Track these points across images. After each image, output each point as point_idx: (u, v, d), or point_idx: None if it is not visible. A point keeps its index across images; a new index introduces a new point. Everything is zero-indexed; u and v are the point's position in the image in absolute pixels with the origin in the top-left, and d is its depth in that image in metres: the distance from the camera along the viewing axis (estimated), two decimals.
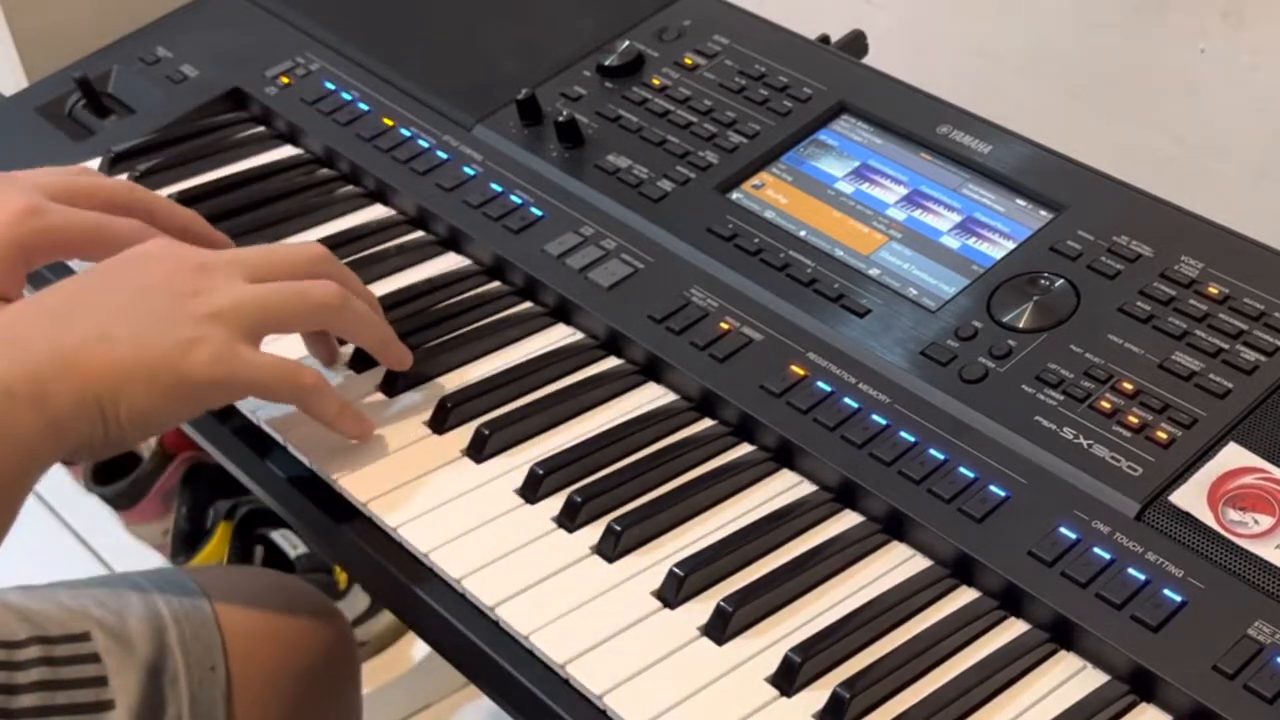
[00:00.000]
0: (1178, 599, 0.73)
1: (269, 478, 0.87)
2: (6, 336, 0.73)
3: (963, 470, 0.80)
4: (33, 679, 0.87)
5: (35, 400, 0.70)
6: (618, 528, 0.78)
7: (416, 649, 1.75)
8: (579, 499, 0.80)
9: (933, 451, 0.81)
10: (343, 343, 0.90)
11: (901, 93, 1.02)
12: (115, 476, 1.69)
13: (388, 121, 1.08)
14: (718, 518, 0.81)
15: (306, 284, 0.81)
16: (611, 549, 0.78)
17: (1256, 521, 0.75)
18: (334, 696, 1.08)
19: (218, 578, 1.04)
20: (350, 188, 1.06)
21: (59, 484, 1.91)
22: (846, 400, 0.84)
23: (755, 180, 0.98)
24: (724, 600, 0.74)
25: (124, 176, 1.05)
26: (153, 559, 1.68)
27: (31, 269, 0.85)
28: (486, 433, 0.84)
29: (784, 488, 0.83)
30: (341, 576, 1.66)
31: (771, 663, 0.73)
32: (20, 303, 0.77)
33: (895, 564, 0.79)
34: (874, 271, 0.91)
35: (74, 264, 0.94)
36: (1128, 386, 0.82)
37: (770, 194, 0.97)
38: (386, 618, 1.72)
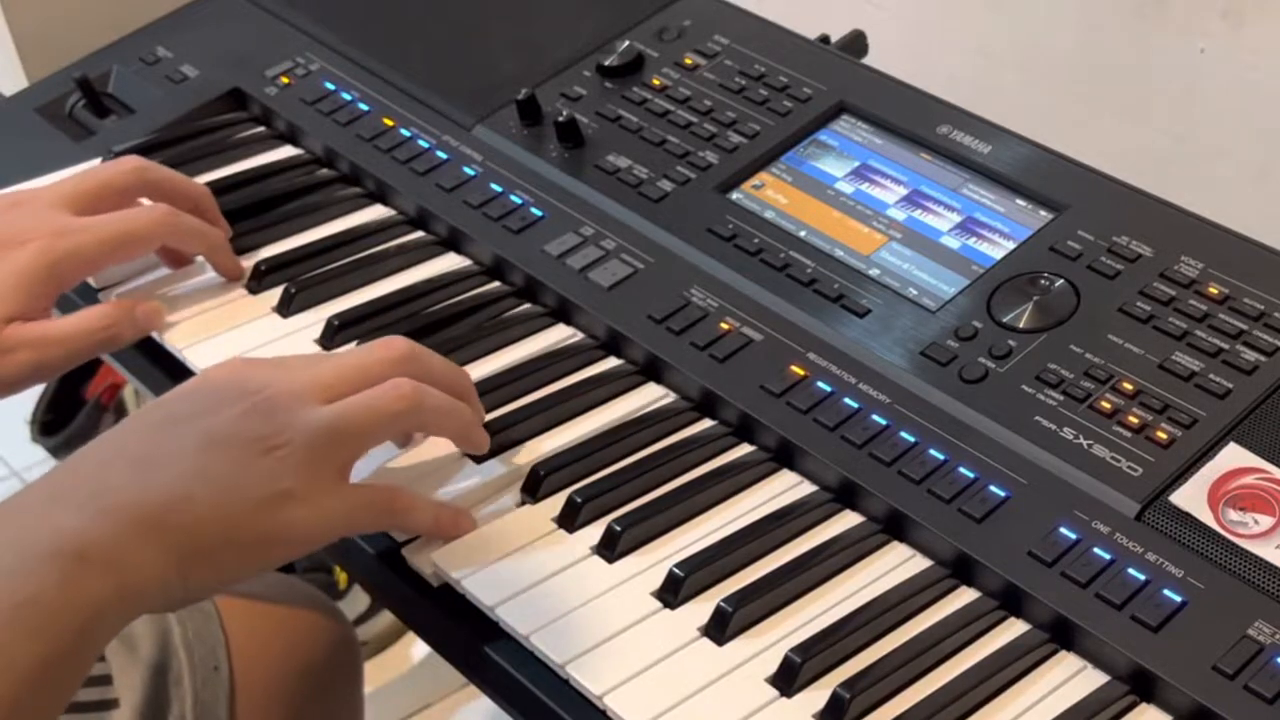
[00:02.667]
0: (1178, 599, 0.73)
1: None
2: (86, 490, 0.68)
3: (963, 470, 0.80)
4: None
5: (110, 565, 0.66)
6: (618, 528, 0.78)
7: (416, 649, 1.75)
8: (579, 499, 0.80)
9: (933, 452, 0.81)
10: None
11: (901, 93, 1.02)
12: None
13: (388, 121, 1.08)
14: (718, 518, 0.81)
15: (378, 395, 0.75)
16: (611, 549, 0.78)
17: (1256, 521, 0.75)
18: (336, 696, 1.08)
19: None
20: (350, 188, 1.06)
21: None
22: (846, 400, 0.84)
23: (755, 180, 0.98)
24: (724, 600, 0.74)
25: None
26: None
27: (64, 290, 0.89)
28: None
29: (784, 488, 0.83)
30: (341, 576, 1.66)
31: (771, 663, 0.73)
32: (100, 445, 0.71)
33: (895, 564, 0.78)
34: (874, 272, 0.91)
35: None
36: (1128, 386, 0.82)
37: (770, 194, 0.97)
38: (386, 618, 1.72)
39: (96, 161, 1.07)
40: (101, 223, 0.89)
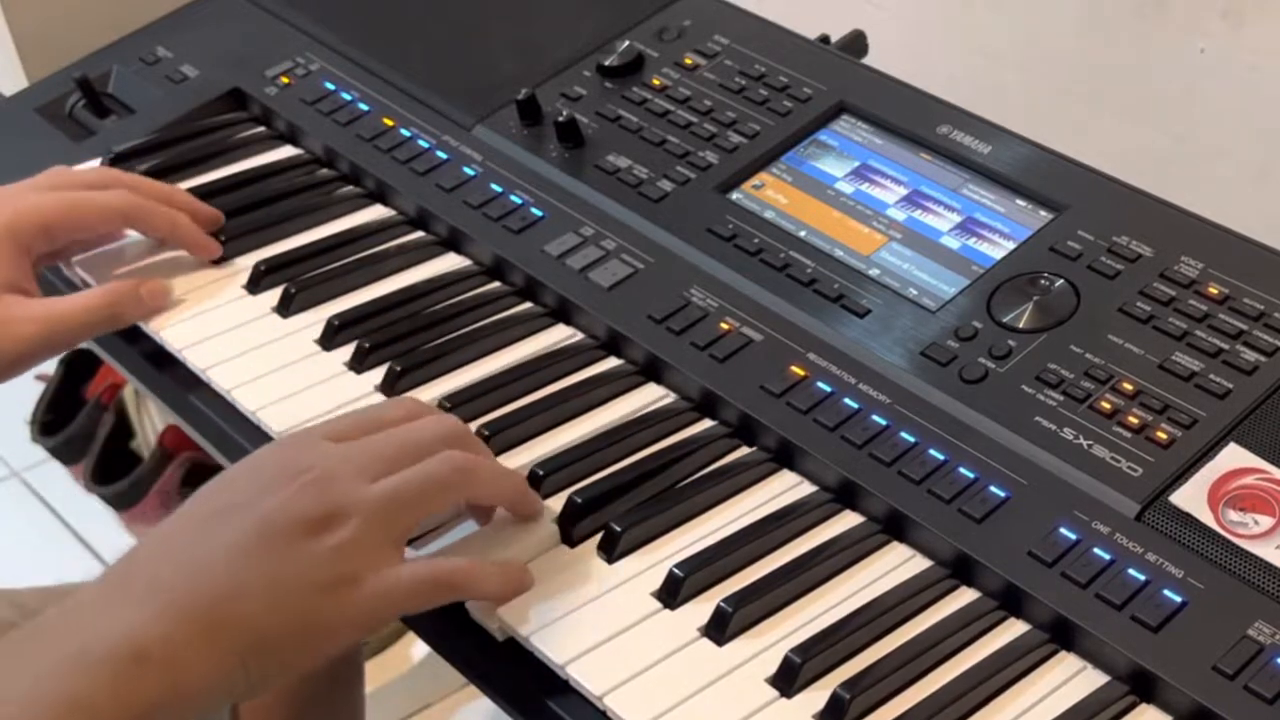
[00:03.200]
0: (1178, 599, 0.73)
1: None
2: (142, 588, 0.67)
3: (963, 470, 0.80)
4: None
5: (166, 664, 0.64)
6: (618, 528, 0.78)
7: (416, 649, 1.75)
8: (579, 499, 0.80)
9: (933, 452, 0.81)
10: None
11: (901, 93, 1.02)
12: (115, 476, 1.69)
13: (388, 121, 1.08)
14: (718, 518, 0.81)
15: (432, 467, 0.73)
16: (611, 549, 0.78)
17: (1256, 522, 0.75)
18: (337, 696, 1.09)
19: None
20: (350, 188, 1.06)
21: (59, 484, 1.91)
22: (846, 401, 0.84)
23: (755, 180, 0.98)
24: (724, 601, 0.74)
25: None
26: None
27: (31, 253, 0.90)
28: (487, 434, 0.84)
29: (784, 488, 0.83)
30: None
31: (771, 663, 0.72)
32: (153, 540, 0.70)
33: (895, 564, 0.78)
34: (874, 272, 0.91)
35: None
36: (1128, 387, 0.82)
37: (770, 194, 0.97)
38: None
39: (96, 162, 1.07)
40: (60, 191, 0.92)
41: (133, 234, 0.99)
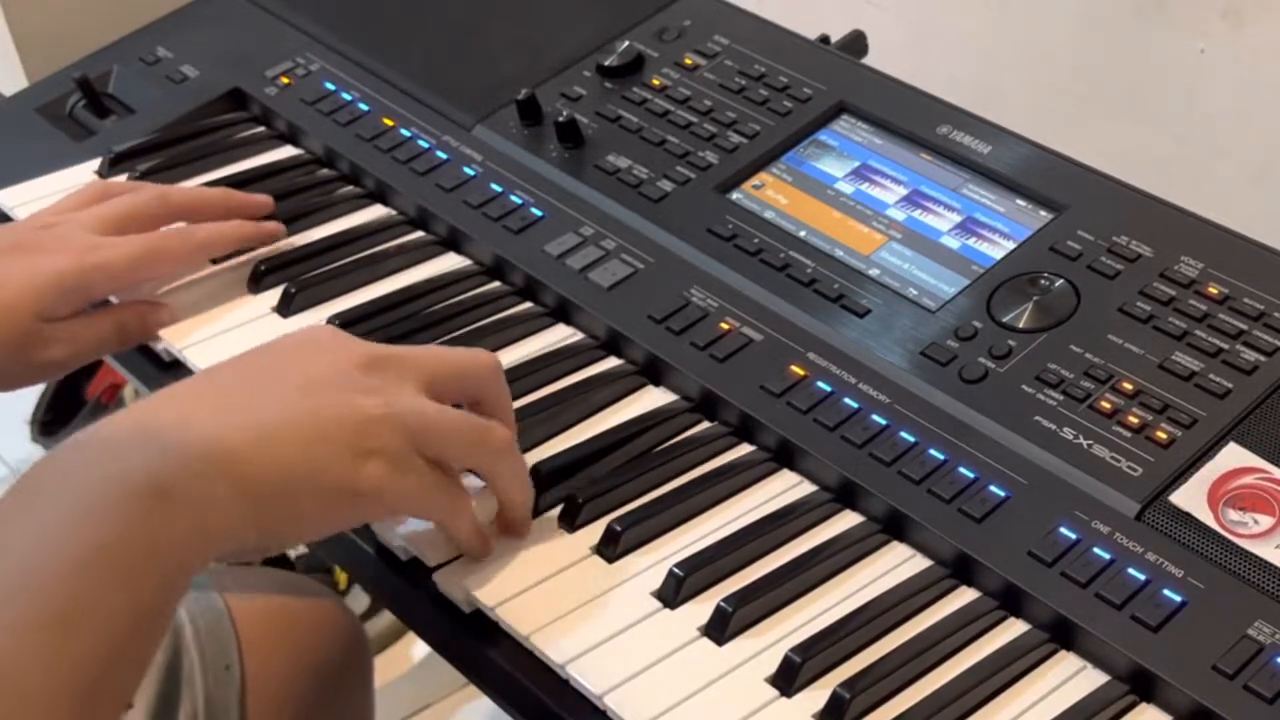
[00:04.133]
0: (1178, 599, 0.73)
1: None
2: (176, 427, 0.66)
3: (963, 470, 0.80)
4: None
5: (191, 502, 0.63)
6: (618, 528, 0.78)
7: (416, 649, 1.75)
8: (579, 499, 0.80)
9: (933, 452, 0.81)
10: None
11: (901, 93, 1.02)
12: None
13: (388, 121, 1.08)
14: (718, 518, 0.81)
15: (479, 424, 0.75)
16: (611, 549, 0.78)
17: (1256, 521, 0.75)
18: (346, 695, 1.09)
19: (232, 577, 1.04)
20: (350, 188, 1.06)
21: None
22: (846, 400, 0.84)
23: (755, 180, 0.98)
24: (724, 600, 0.74)
25: (124, 177, 1.05)
26: None
27: (91, 302, 0.91)
28: None
29: (784, 488, 0.83)
30: (341, 576, 1.66)
31: (771, 663, 0.72)
32: (186, 383, 0.70)
33: (895, 564, 0.78)
34: (874, 272, 0.91)
35: None
36: (1128, 386, 0.82)
37: (770, 194, 0.97)
38: (386, 618, 1.72)
39: (96, 163, 1.07)
40: (129, 240, 0.91)
41: None
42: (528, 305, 0.96)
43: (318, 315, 0.94)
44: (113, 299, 0.94)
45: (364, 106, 1.09)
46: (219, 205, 0.97)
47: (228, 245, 0.97)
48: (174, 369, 0.93)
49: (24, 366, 0.88)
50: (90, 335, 0.90)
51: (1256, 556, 0.74)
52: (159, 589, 0.62)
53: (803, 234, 0.94)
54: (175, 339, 0.93)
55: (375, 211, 1.04)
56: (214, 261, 0.98)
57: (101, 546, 0.60)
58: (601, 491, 0.81)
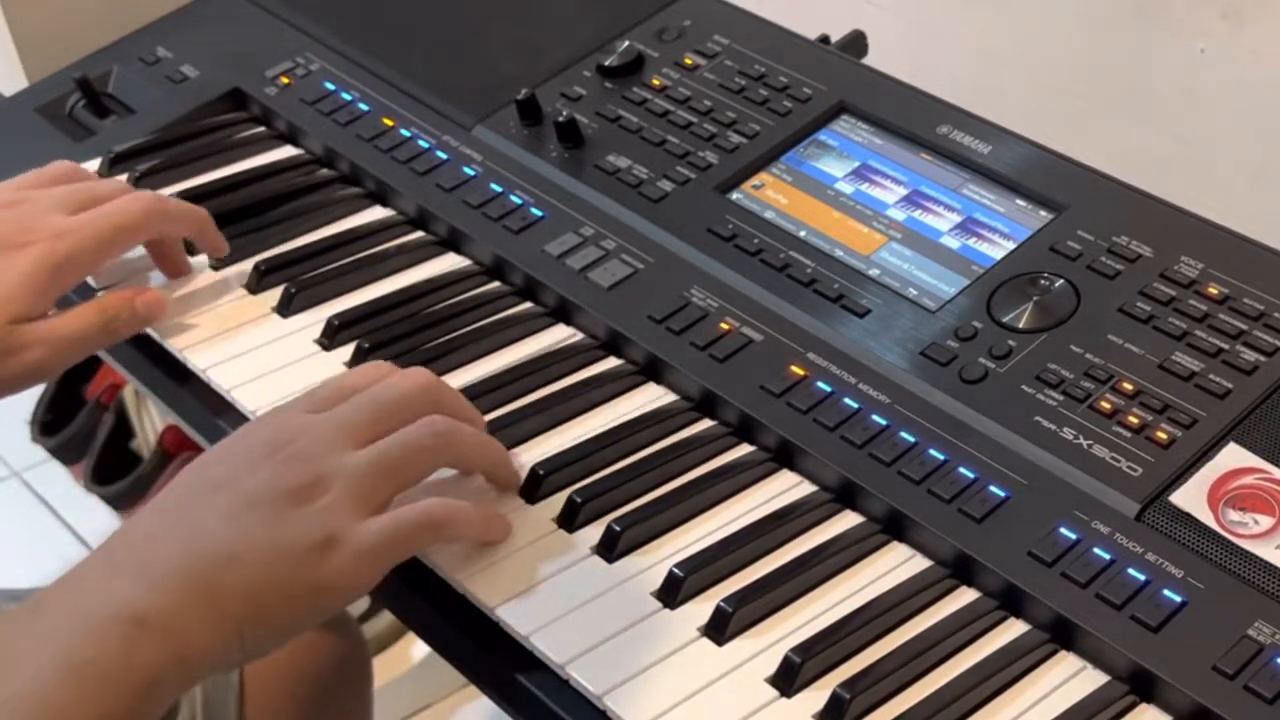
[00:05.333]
0: (1178, 599, 0.73)
1: None
2: (138, 561, 0.68)
3: (963, 470, 0.80)
4: None
5: (167, 633, 0.66)
6: (618, 528, 0.78)
7: (416, 649, 1.75)
8: (579, 499, 0.80)
9: (932, 452, 0.81)
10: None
11: (901, 93, 1.02)
12: (115, 476, 1.69)
13: (388, 122, 1.08)
14: (718, 518, 0.81)
15: (413, 433, 0.75)
16: (611, 549, 0.78)
17: (1256, 522, 0.75)
18: (345, 699, 1.09)
19: None
20: (350, 188, 1.06)
21: (59, 484, 1.91)
22: (846, 400, 0.84)
23: (755, 180, 0.98)
24: (724, 600, 0.74)
25: (124, 177, 1.05)
26: None
27: (65, 292, 0.89)
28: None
29: (784, 488, 0.83)
30: None
31: (771, 663, 0.73)
32: (147, 516, 0.72)
33: (895, 564, 0.78)
34: (874, 272, 0.91)
35: None
36: (1128, 387, 0.82)
37: (770, 194, 0.97)
38: (386, 618, 1.72)
39: (96, 162, 1.07)
40: (95, 217, 0.90)
41: None
42: (528, 305, 0.96)
43: (318, 315, 0.94)
44: (93, 283, 0.93)
45: (364, 106, 1.09)
46: (187, 213, 0.96)
47: (187, 227, 0.95)
48: (172, 367, 0.93)
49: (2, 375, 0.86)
50: (72, 332, 0.88)
51: (1256, 556, 0.74)
52: (134, 709, 0.65)
53: (803, 234, 0.94)
54: (176, 342, 0.93)
55: (375, 212, 1.04)
56: (214, 268, 0.98)
57: (81, 664, 0.64)
58: (601, 491, 0.81)
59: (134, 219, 0.91)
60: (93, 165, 1.08)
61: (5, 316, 0.85)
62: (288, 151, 1.11)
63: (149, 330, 0.94)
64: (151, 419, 1.73)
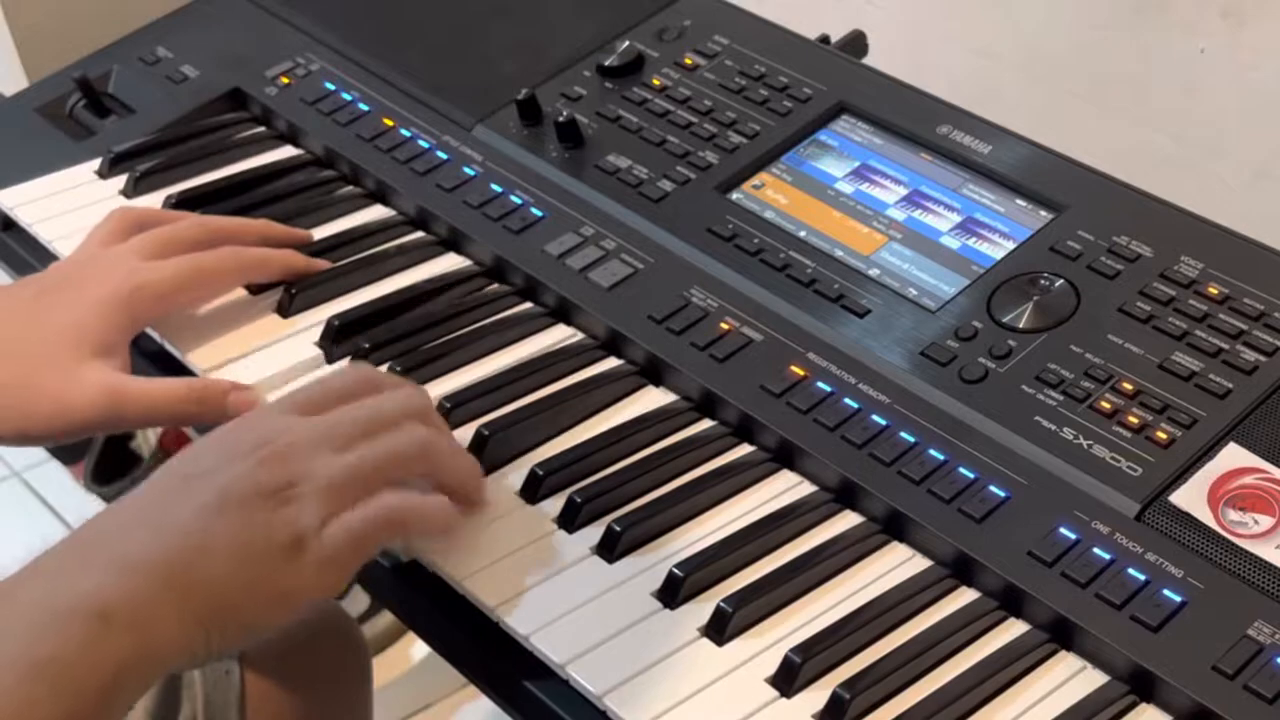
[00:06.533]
0: (1178, 599, 0.73)
1: None
2: (108, 550, 0.68)
3: (962, 470, 0.80)
4: None
5: (132, 625, 0.65)
6: (618, 528, 0.78)
7: (416, 649, 1.75)
8: (579, 499, 0.80)
9: (932, 452, 0.81)
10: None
11: (901, 93, 1.02)
12: (115, 476, 1.69)
13: (388, 122, 1.08)
14: (718, 518, 0.81)
15: (391, 443, 0.75)
16: (611, 549, 0.78)
17: (1256, 521, 0.75)
18: (345, 698, 1.09)
19: None
20: (350, 188, 1.06)
21: (59, 484, 1.91)
22: (846, 400, 0.84)
23: (755, 180, 0.98)
24: (724, 600, 0.74)
25: (123, 177, 1.05)
26: None
27: (139, 327, 0.89)
28: (486, 434, 0.84)
29: (784, 488, 0.83)
30: None
31: (771, 663, 0.73)
32: (121, 507, 0.72)
33: (895, 564, 0.79)
34: (874, 272, 0.91)
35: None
36: (1128, 387, 0.82)
37: (770, 194, 0.97)
38: (386, 618, 1.72)
39: (97, 163, 1.07)
40: (175, 260, 0.90)
41: None
42: (528, 305, 0.96)
43: (318, 315, 0.94)
44: (195, 367, 0.92)
45: (364, 106, 1.09)
46: (258, 233, 0.97)
47: (274, 272, 0.95)
48: (172, 367, 0.93)
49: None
50: (139, 390, 0.86)
51: (1256, 556, 0.74)
52: (98, 704, 0.64)
53: (803, 234, 0.94)
54: (178, 342, 0.93)
55: (375, 212, 1.04)
56: (252, 292, 0.96)
57: (43, 660, 0.63)
58: (601, 492, 0.81)
59: (211, 264, 0.91)
60: (93, 165, 1.08)
61: (86, 346, 0.85)
62: (288, 151, 1.11)
63: (149, 330, 0.94)
64: None
